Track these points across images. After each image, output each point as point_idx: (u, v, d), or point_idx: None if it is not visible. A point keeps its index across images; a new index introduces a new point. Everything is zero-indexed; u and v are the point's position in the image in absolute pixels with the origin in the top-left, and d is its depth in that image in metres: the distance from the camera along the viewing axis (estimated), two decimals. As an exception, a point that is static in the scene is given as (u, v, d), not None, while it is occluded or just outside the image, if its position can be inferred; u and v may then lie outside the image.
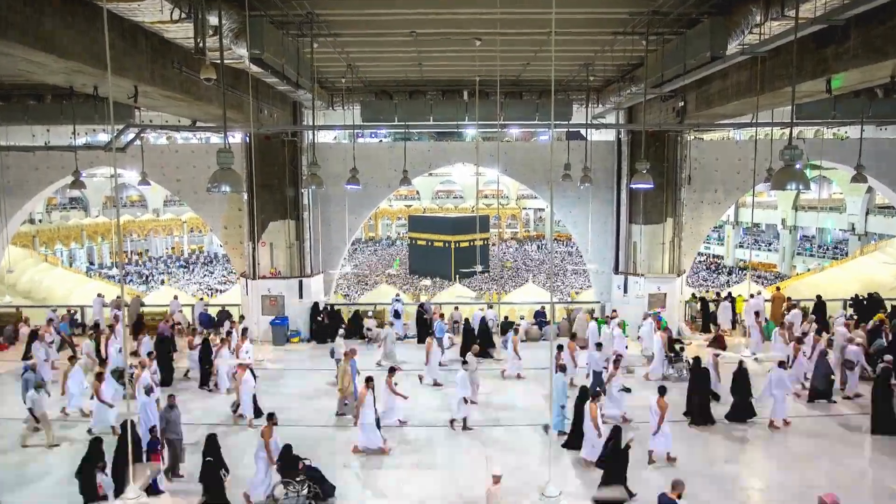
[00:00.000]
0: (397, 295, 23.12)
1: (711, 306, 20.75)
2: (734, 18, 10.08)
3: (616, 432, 10.03)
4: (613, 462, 9.76)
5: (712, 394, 13.38)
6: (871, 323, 16.89)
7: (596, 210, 21.79)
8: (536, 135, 43.30)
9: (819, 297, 20.20)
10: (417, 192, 70.97)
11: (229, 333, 16.40)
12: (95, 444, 9.54)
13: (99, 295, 21.60)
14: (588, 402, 10.96)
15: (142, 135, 18.53)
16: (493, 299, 27.95)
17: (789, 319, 17.58)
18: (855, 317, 18.60)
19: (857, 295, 21.10)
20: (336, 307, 20.70)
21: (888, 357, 13.00)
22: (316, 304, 19.85)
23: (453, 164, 25.83)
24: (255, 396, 13.05)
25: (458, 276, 43.38)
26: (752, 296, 18.93)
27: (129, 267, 51.42)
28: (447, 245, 49.28)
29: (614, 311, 19.20)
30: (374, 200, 22.76)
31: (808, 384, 14.23)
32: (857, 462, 11.24)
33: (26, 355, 15.96)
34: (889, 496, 10.05)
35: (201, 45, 9.22)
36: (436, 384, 15.20)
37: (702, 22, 10.86)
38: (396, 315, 20.26)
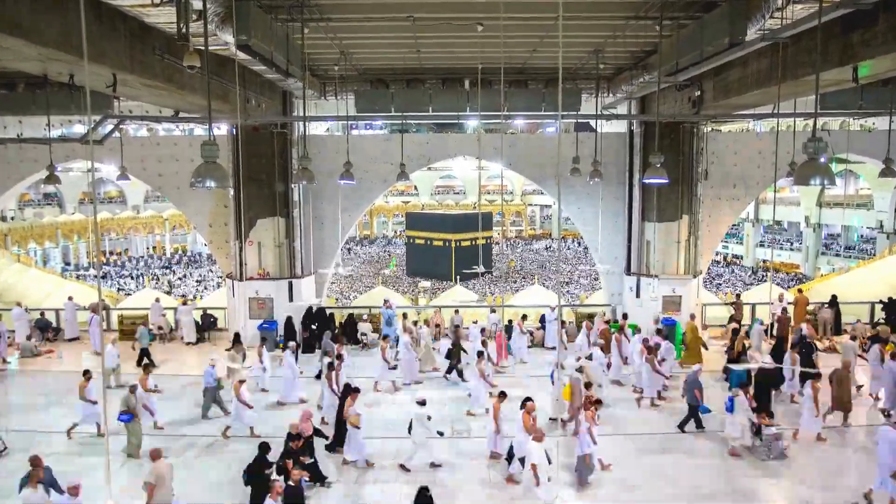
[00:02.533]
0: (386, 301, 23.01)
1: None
2: (754, 2, 10.06)
3: None
4: None
5: None
6: None
7: (606, 207, 21.74)
8: (543, 126, 43.34)
9: (834, 296, 20.08)
10: (416, 188, 70.98)
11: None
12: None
13: (70, 298, 21.42)
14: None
15: (121, 126, 18.53)
16: (497, 302, 27.90)
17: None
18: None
19: (890, 297, 20.91)
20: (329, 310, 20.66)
21: None
22: (310, 309, 19.70)
23: (454, 157, 25.83)
24: None
25: (458, 277, 43.37)
26: (780, 298, 18.87)
27: (108, 268, 51.41)
28: (447, 244, 49.25)
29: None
30: (370, 196, 22.77)
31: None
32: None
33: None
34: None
35: (184, 30, 9.21)
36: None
37: (719, 6, 10.85)
38: (389, 323, 19.78)
